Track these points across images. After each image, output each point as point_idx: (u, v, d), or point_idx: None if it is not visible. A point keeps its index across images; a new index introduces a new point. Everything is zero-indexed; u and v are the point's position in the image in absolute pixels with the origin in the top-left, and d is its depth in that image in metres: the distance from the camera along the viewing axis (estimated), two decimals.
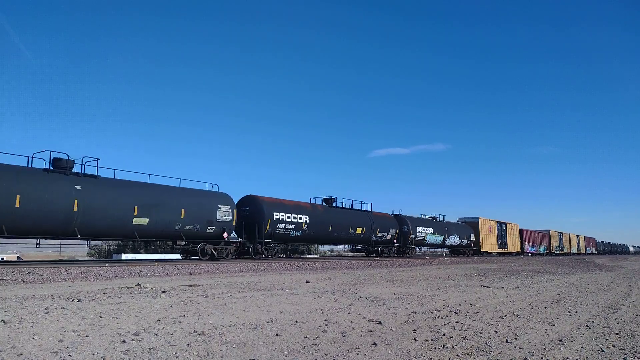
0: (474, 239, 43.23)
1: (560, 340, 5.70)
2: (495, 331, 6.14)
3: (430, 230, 37.42)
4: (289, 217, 24.76)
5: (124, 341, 4.92)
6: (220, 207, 21.29)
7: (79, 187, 16.43)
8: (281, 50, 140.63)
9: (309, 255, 37.59)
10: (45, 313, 6.43)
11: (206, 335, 5.33)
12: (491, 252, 46.34)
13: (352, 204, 30.85)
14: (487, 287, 12.40)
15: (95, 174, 17.48)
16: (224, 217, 21.35)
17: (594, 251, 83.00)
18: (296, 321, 6.40)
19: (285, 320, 6.43)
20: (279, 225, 24.23)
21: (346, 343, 5.28)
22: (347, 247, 33.88)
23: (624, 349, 5.38)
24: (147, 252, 33.62)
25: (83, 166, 17.25)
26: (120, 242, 22.46)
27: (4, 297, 8.15)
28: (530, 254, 51.76)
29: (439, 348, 5.15)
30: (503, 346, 5.33)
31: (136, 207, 17.88)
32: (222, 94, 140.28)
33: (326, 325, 6.20)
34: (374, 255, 32.54)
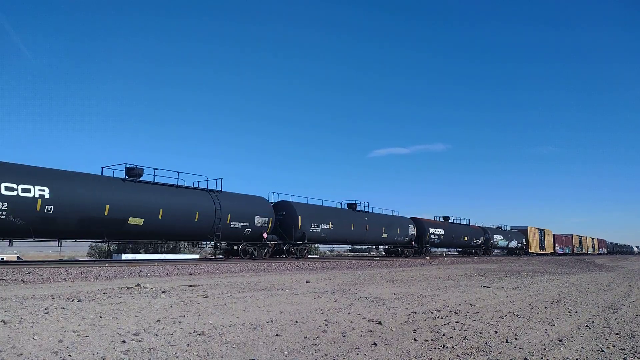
0: (525, 243, 53.83)
1: (560, 340, 5.70)
2: (495, 331, 6.14)
3: (501, 237, 49.34)
4: (436, 231, 29.81)
5: (124, 341, 4.92)
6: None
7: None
8: (281, 50, 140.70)
9: (309, 256, 37.54)
10: (45, 313, 6.43)
11: (206, 336, 5.33)
12: (535, 253, 55.54)
13: (460, 220, 37.60)
14: (487, 287, 12.40)
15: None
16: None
17: (605, 251, 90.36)
18: (296, 321, 6.40)
19: (285, 321, 6.43)
20: (431, 236, 29.64)
21: (346, 343, 5.28)
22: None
23: (624, 349, 5.38)
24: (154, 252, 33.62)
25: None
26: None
27: (4, 297, 8.15)
28: (559, 254, 61.90)
29: (439, 348, 5.15)
30: (503, 346, 5.33)
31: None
32: (222, 93, 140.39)
33: (326, 325, 6.20)
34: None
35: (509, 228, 53.65)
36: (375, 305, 8.22)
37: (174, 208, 18.65)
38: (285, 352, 4.79)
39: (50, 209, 14.90)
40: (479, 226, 46.44)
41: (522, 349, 5.23)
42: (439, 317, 7.17)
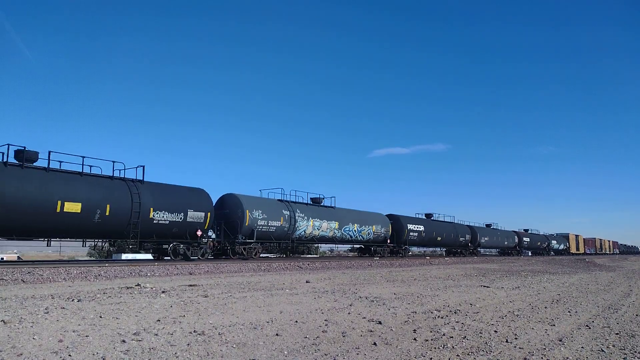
0: (568, 245, 73.27)
1: (560, 340, 5.70)
2: (495, 331, 6.14)
3: (555, 241, 67.60)
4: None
5: (124, 341, 4.92)
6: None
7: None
8: (281, 49, 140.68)
9: (309, 255, 37.46)
10: (45, 313, 6.43)
11: (206, 335, 5.33)
12: (574, 253, 73.73)
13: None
14: (487, 287, 12.40)
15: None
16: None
17: (618, 251, 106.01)
18: (296, 321, 6.40)
19: (285, 320, 6.43)
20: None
21: (346, 343, 5.28)
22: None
23: (624, 349, 5.38)
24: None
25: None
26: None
27: (4, 297, 8.15)
28: (587, 253, 78.21)
29: (439, 348, 5.15)
30: (503, 346, 5.33)
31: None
32: (222, 93, 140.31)
33: (326, 325, 6.20)
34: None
35: (554, 234, 71.06)
36: (375, 305, 8.22)
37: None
38: (286, 352, 4.79)
39: None
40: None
41: (522, 348, 5.23)
42: (439, 317, 7.17)
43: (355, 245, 33.11)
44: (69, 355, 4.35)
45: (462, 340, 5.57)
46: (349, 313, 7.22)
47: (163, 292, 9.29)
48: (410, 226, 34.87)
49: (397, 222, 34.15)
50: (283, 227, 24.74)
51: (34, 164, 15.88)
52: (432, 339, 5.55)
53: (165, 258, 20.34)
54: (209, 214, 20.67)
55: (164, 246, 19.68)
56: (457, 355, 4.86)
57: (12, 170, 14.95)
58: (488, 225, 51.21)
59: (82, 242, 18.36)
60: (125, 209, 17.35)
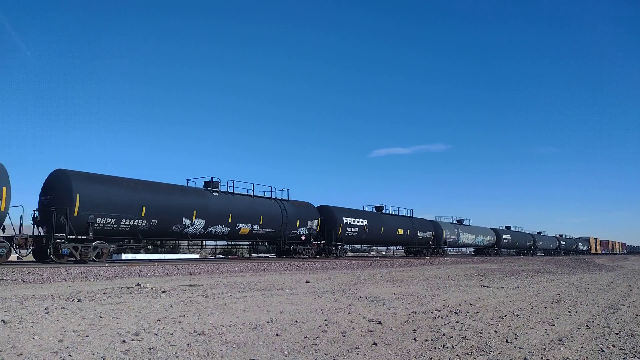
0: (589, 247, 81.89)
1: (560, 340, 5.70)
2: (495, 331, 6.14)
3: (581, 243, 77.81)
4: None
5: (124, 341, 4.92)
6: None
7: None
8: (281, 49, 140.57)
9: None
10: (45, 313, 6.42)
11: (206, 335, 5.33)
12: (594, 253, 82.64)
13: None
14: (487, 287, 12.40)
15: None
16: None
17: (625, 252, 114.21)
18: (296, 321, 6.40)
19: (285, 320, 6.43)
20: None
21: (346, 343, 5.28)
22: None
23: (624, 349, 5.38)
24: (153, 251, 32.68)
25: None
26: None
27: (4, 297, 8.15)
28: (603, 253, 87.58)
29: (439, 348, 5.15)
30: (503, 346, 5.33)
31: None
32: (222, 93, 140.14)
33: (326, 325, 6.20)
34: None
35: (574, 237, 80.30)
36: (375, 305, 8.22)
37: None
38: (285, 352, 4.79)
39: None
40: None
41: (522, 348, 5.23)
42: (439, 317, 7.17)
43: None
44: (69, 355, 4.35)
45: (462, 340, 5.57)
46: (349, 313, 7.22)
47: (163, 292, 9.29)
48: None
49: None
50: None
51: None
52: (432, 339, 5.55)
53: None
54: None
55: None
56: (457, 355, 4.86)
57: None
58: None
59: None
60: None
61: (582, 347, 5.39)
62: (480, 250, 46.23)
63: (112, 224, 17.71)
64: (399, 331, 6.00)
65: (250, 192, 24.21)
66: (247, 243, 26.95)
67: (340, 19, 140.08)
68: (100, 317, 6.24)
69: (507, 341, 5.57)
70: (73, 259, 16.82)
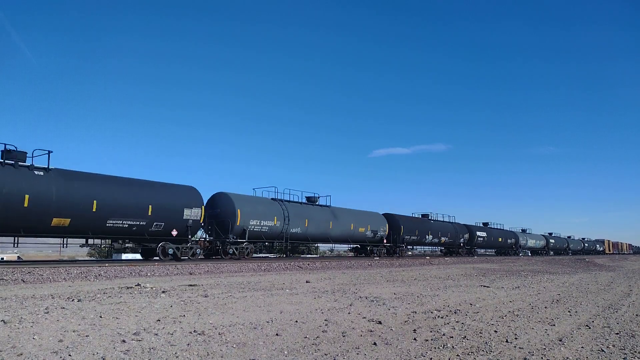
0: (604, 247, 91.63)
1: (560, 340, 5.70)
2: (496, 331, 6.14)
3: (598, 245, 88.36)
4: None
5: (124, 341, 4.92)
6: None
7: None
8: (281, 49, 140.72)
9: (308, 255, 37.42)
10: (45, 313, 6.43)
11: (206, 335, 5.33)
12: (607, 253, 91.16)
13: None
14: (487, 287, 12.40)
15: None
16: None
17: (632, 252, 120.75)
18: (296, 321, 6.40)
19: (286, 320, 6.43)
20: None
21: (346, 343, 5.28)
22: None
23: (624, 349, 5.38)
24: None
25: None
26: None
27: (4, 297, 8.15)
28: (615, 253, 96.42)
29: (439, 348, 5.15)
30: (503, 346, 5.33)
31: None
32: (222, 93, 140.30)
33: (326, 325, 6.20)
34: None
35: (593, 239, 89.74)
36: (375, 305, 8.22)
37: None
38: (286, 352, 4.79)
39: None
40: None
41: (522, 348, 5.23)
42: (439, 316, 7.17)
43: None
44: (69, 355, 4.36)
45: (462, 340, 5.57)
46: (349, 313, 7.22)
47: (163, 292, 9.29)
48: (597, 245, 40.39)
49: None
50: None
51: None
52: (432, 339, 5.55)
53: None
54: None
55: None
56: (457, 355, 4.86)
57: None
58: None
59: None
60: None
61: (582, 347, 5.39)
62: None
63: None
64: (399, 331, 6.00)
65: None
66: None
67: (340, 19, 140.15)
68: (100, 317, 6.24)
69: (507, 341, 5.57)
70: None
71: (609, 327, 6.77)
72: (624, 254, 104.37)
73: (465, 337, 5.74)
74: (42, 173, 15.99)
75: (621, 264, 35.63)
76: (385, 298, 9.21)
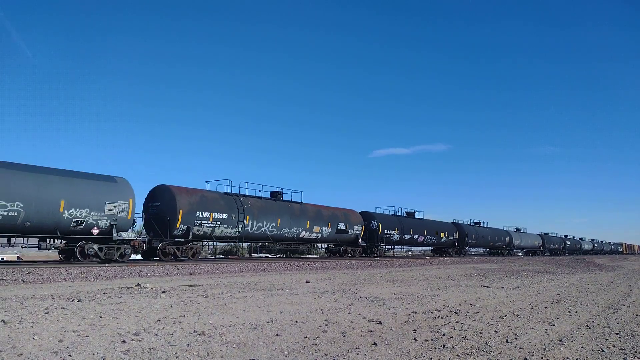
0: (622, 249, 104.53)
1: (560, 340, 5.70)
2: (496, 331, 6.14)
3: (620, 247, 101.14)
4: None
5: (124, 341, 4.92)
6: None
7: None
8: (281, 49, 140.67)
9: (309, 255, 37.35)
10: (45, 313, 6.43)
11: (206, 335, 5.33)
12: (624, 253, 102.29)
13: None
14: (487, 287, 12.40)
15: None
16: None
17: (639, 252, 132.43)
18: (296, 321, 6.40)
19: (286, 320, 6.43)
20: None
21: (346, 343, 5.28)
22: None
23: (624, 349, 5.38)
24: None
25: None
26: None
27: (4, 297, 8.15)
28: (629, 253, 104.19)
29: (439, 348, 5.15)
30: (503, 346, 5.33)
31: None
32: (222, 93, 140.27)
33: (326, 325, 6.20)
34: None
35: (613, 242, 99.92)
36: (375, 305, 8.22)
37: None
38: (286, 352, 4.79)
39: None
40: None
41: (522, 348, 5.23)
42: (439, 317, 7.17)
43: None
44: (69, 355, 4.35)
45: (462, 340, 5.57)
46: (349, 313, 7.23)
47: (163, 292, 9.29)
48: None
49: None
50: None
51: None
52: (432, 339, 5.55)
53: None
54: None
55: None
56: (457, 355, 4.86)
57: None
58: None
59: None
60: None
61: (582, 347, 5.39)
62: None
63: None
64: (399, 331, 6.00)
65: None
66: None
67: (340, 19, 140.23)
68: (100, 317, 6.24)
69: (507, 341, 5.57)
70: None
71: (609, 327, 6.77)
72: (634, 253, 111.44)
73: (465, 337, 5.74)
74: None
75: (621, 264, 35.63)
76: (385, 298, 9.21)
